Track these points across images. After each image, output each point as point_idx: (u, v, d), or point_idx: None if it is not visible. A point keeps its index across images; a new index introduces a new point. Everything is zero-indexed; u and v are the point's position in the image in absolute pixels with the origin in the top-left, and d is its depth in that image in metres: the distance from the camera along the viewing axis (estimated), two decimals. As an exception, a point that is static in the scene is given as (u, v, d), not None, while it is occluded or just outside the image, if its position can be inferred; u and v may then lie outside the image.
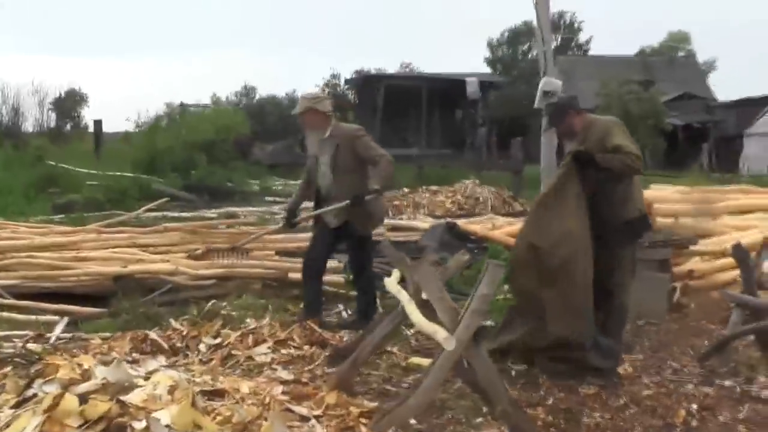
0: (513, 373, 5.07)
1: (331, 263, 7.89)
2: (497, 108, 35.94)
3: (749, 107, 32.30)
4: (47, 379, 3.96)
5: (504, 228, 9.70)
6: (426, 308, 4.15)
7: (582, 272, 4.87)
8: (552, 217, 4.96)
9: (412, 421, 3.94)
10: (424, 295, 4.18)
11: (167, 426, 3.26)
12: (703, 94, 36.60)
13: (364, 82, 34.02)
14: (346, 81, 37.59)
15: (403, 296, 4.27)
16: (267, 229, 7.05)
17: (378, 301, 7.13)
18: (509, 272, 5.10)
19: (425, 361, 5.21)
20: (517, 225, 9.98)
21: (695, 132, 32.67)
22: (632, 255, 5.40)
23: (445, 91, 32.70)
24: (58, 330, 5.90)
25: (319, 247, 6.39)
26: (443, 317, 3.78)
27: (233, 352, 5.32)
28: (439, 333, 3.64)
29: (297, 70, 79.70)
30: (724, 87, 79.59)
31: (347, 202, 6.05)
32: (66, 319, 6.19)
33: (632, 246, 5.40)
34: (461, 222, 9.65)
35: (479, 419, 4.18)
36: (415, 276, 4.22)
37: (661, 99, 27.68)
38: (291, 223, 6.70)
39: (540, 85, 5.94)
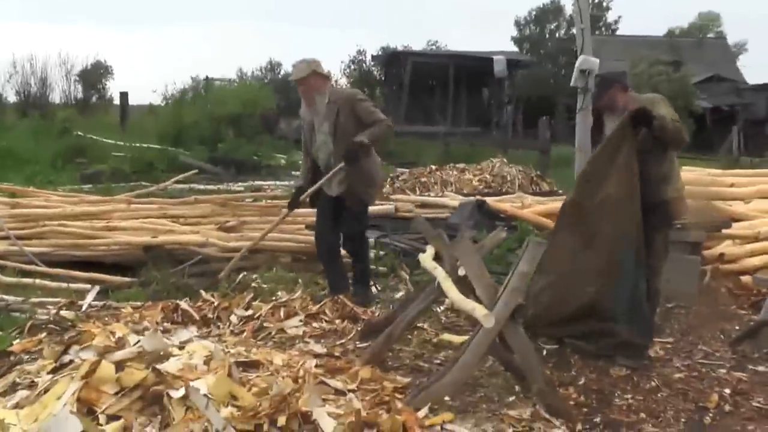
0: (544, 352, 5.04)
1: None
2: (524, 87, 35.68)
3: (780, 90, 31.92)
4: (83, 346, 4.00)
5: (533, 207, 9.63)
6: (461, 285, 4.13)
7: (620, 239, 4.78)
8: (599, 177, 4.85)
9: (446, 398, 3.92)
10: (461, 272, 4.16)
11: (205, 395, 3.26)
12: (732, 77, 36.09)
13: (391, 59, 33.80)
14: (373, 57, 37.33)
15: (440, 273, 4.24)
16: (277, 221, 6.63)
17: (407, 277, 7.14)
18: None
19: (456, 338, 5.21)
20: (546, 204, 9.94)
21: (724, 115, 32.26)
22: (665, 238, 5.30)
23: (472, 69, 32.45)
24: (89, 298, 5.93)
25: (323, 222, 6.18)
26: (482, 294, 3.76)
27: (265, 324, 5.33)
28: (478, 310, 3.61)
29: (322, 46, 79.16)
30: (755, 70, 78.25)
31: (342, 164, 5.78)
32: (97, 288, 6.22)
33: (666, 228, 5.28)
34: (490, 200, 9.57)
35: (511, 398, 4.15)
36: (455, 252, 4.18)
37: (690, 81, 27.33)
38: (295, 203, 6.34)
39: (577, 64, 5.85)
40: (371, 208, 9.58)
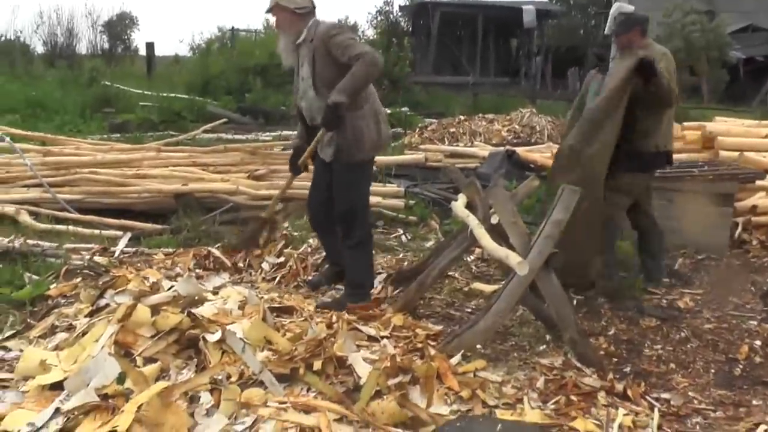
0: (575, 302, 5.02)
1: (391, 187, 7.90)
2: (553, 37, 35.16)
3: (817, 40, 31.11)
4: (118, 290, 4.05)
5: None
6: (493, 233, 4.12)
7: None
8: (596, 125, 4.85)
9: (478, 346, 3.93)
10: (493, 220, 4.14)
11: (241, 339, 3.30)
12: (768, 26, 35.28)
13: (419, 9, 33.25)
14: (400, 8, 36.75)
15: (472, 221, 4.22)
16: (283, 188, 5.52)
17: (437, 227, 7.11)
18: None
19: (487, 287, 5.22)
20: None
21: (758, 65, 31.57)
22: (638, 183, 5.36)
23: (501, 19, 31.98)
24: (121, 244, 5.97)
25: (314, 193, 5.15)
26: (516, 242, 3.74)
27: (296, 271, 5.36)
28: (512, 258, 3.59)
29: (349, -4, 78.50)
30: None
31: (321, 130, 4.78)
32: (129, 234, 6.26)
33: (641, 174, 5.34)
34: (519, 150, 9.50)
35: (542, 347, 4.16)
36: (488, 200, 4.16)
37: (725, 31, 26.69)
38: (296, 169, 5.15)
39: (611, 11, 5.71)
40: (401, 158, 9.63)
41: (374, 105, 4.87)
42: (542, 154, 9.48)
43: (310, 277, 5.37)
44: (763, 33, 33.00)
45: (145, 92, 19.13)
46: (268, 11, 4.86)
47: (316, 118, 4.78)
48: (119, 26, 39.06)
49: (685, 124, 9.78)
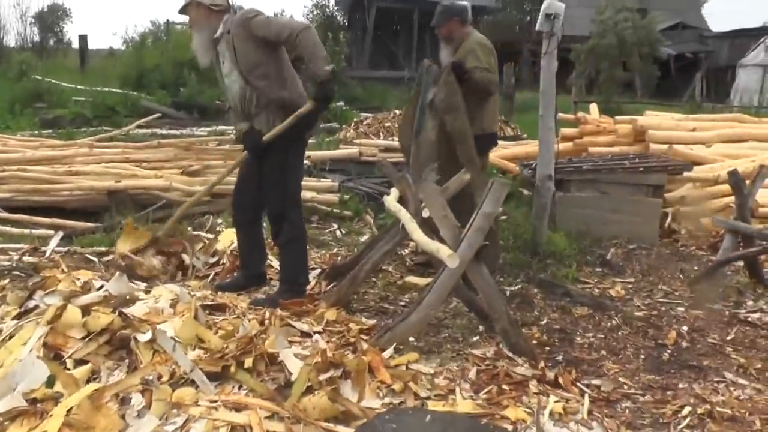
0: (507, 293, 5.12)
1: (325, 182, 7.90)
2: (488, 33, 35.44)
3: (743, 38, 31.96)
4: (48, 291, 3.98)
5: (498, 151, 9.66)
6: (425, 227, 4.16)
7: None
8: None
9: (411, 339, 3.96)
10: (425, 214, 4.18)
11: (172, 338, 3.27)
12: (696, 24, 36.18)
13: (355, 3, 33.18)
14: (336, 2, 36.73)
15: (404, 215, 4.25)
16: (234, 163, 5.17)
17: (372, 221, 7.14)
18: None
19: (421, 281, 5.26)
20: (510, 149, 9.99)
21: (688, 62, 32.41)
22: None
23: (437, 14, 32.23)
24: (53, 244, 5.85)
25: (243, 181, 5.02)
26: (446, 235, 3.78)
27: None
28: (442, 251, 3.64)
29: (285, -11, 77.53)
30: (719, 17, 78.46)
31: (308, 106, 4.59)
32: (60, 233, 6.13)
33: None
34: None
35: (475, 338, 4.21)
36: (419, 194, 4.19)
37: (656, 28, 27.29)
38: (258, 145, 4.70)
39: (542, 8, 5.79)
40: (336, 153, 9.64)
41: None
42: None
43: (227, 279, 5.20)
44: (692, 30, 33.95)
45: (78, 87, 18.77)
46: (182, 11, 4.73)
47: (253, 109, 4.70)
48: (51, 18, 38.20)
49: (618, 117, 10.03)
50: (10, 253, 5.56)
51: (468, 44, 5.49)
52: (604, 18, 26.12)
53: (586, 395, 3.53)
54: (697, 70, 30.45)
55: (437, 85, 5.23)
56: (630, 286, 5.62)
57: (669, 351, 4.32)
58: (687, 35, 34.02)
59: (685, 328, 4.70)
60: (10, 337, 3.48)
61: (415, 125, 5.42)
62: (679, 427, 3.34)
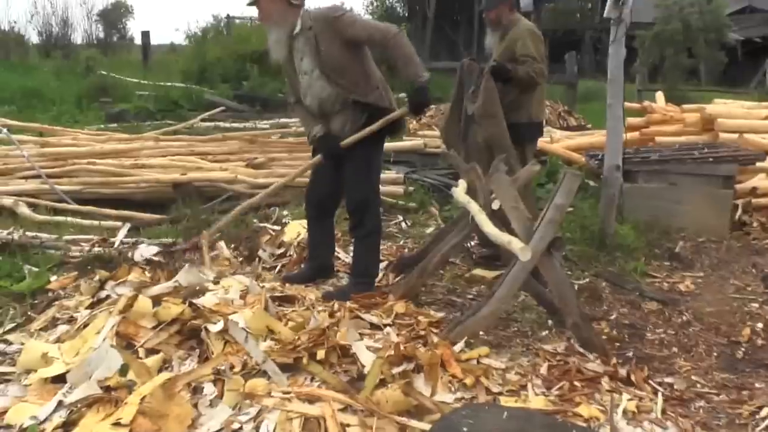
0: (576, 287, 5.02)
1: (390, 174, 7.87)
2: (550, 21, 35.06)
3: (817, 22, 31.06)
4: (119, 281, 4.03)
5: (562, 141, 9.53)
6: (495, 219, 4.09)
7: None
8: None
9: (481, 333, 3.91)
10: (494, 206, 4.11)
11: (243, 329, 3.28)
12: (766, 7, 35.14)
13: (415, -7, 33.35)
14: (396, -8, 36.85)
15: (473, 206, 4.19)
16: (307, 164, 5.08)
17: (437, 213, 7.08)
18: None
19: (488, 273, 5.20)
20: (574, 139, 9.83)
21: (756, 47, 31.49)
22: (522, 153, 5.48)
23: (499, 2, 32.00)
24: (121, 235, 5.93)
25: (320, 183, 4.91)
26: (518, 227, 3.71)
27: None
28: (514, 243, 3.57)
29: (343, -19, 77.74)
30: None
31: (403, 110, 4.58)
32: (128, 225, 6.21)
33: (518, 146, 5.37)
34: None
35: (545, 332, 4.15)
36: (490, 185, 4.13)
37: (723, 12, 26.56)
38: (335, 149, 4.62)
39: (607, -6, 5.68)
40: (400, 144, 9.60)
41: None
42: (542, 138, 9.43)
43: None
44: (761, 14, 32.96)
45: (142, 81, 19.07)
46: (252, 2, 4.52)
47: (336, 108, 4.59)
48: (114, 15, 39.00)
49: (685, 106, 9.78)
50: (81, 244, 5.65)
51: (516, 32, 5.44)
52: (669, 3, 25.50)
53: (659, 393, 3.43)
54: (766, 56, 29.56)
55: (477, 88, 5.19)
56: (700, 280, 5.44)
57: (743, 349, 4.18)
58: (756, 19, 33.02)
59: (760, 325, 4.52)
60: (85, 326, 3.54)
61: (461, 129, 5.37)
62: (758, 428, 3.22)
